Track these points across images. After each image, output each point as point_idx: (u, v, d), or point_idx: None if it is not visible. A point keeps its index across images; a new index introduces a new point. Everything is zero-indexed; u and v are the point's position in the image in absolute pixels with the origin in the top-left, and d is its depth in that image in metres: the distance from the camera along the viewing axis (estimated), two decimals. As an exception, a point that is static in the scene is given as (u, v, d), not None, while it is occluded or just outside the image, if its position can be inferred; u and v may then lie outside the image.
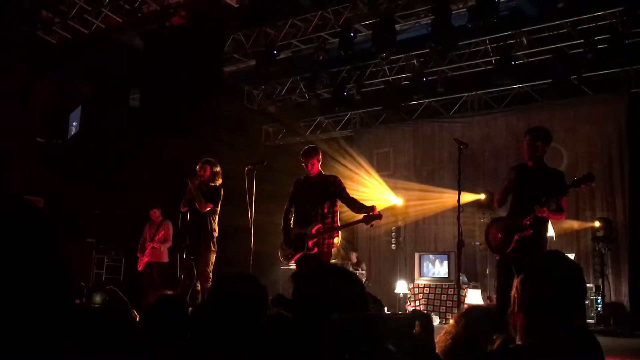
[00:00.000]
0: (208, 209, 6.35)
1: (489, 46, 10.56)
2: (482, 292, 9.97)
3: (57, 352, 1.16)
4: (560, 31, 9.85)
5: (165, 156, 9.91)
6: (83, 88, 10.84)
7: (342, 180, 6.01)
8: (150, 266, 9.13)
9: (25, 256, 1.12)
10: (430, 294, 10.11)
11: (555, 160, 10.37)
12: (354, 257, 11.60)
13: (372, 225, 5.77)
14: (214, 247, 6.39)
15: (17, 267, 1.11)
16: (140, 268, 9.22)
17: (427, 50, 10.46)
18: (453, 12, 9.12)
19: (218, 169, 6.56)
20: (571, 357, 1.80)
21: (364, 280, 10.93)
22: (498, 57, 10.37)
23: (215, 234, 6.44)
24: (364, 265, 11.52)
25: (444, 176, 11.47)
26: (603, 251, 9.61)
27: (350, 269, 10.96)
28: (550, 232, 8.95)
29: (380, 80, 11.97)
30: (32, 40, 10.16)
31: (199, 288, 6.26)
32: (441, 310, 9.74)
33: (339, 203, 5.89)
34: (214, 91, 11.04)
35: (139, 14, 9.53)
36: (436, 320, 8.95)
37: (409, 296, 10.51)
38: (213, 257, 6.36)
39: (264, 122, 13.87)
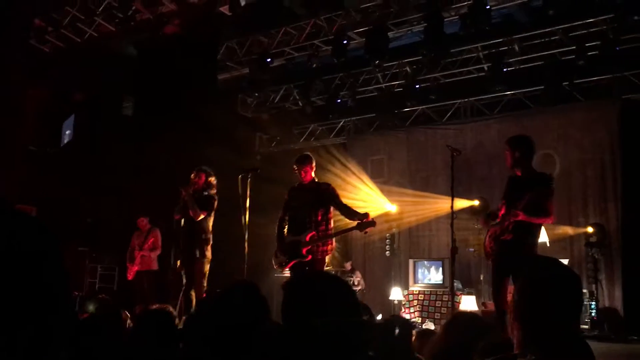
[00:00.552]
0: (202, 217, 6.33)
1: (481, 53, 10.61)
2: (477, 298, 9.97)
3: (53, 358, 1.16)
4: (552, 38, 9.91)
5: (159, 164, 9.90)
6: (76, 96, 10.83)
7: (336, 188, 6.02)
8: (140, 275, 9.10)
9: (24, 262, 1.12)
10: (425, 301, 10.10)
11: (547, 167, 10.42)
12: (348, 265, 11.58)
13: (366, 232, 5.78)
14: (209, 256, 6.36)
15: (15, 272, 1.11)
16: (130, 277, 9.18)
17: (420, 57, 10.50)
18: (445, 20, 9.17)
19: (213, 178, 6.53)
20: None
21: (359, 288, 10.91)
22: (490, 64, 10.41)
23: (210, 242, 6.41)
24: (358, 273, 11.50)
25: (438, 182, 11.48)
26: (596, 257, 9.65)
27: (344, 277, 10.97)
28: (544, 238, 9.00)
29: (373, 87, 12.00)
30: (25, 49, 10.15)
31: (193, 297, 6.23)
32: (436, 317, 9.73)
33: (333, 210, 5.90)
34: (207, 99, 11.04)
35: (132, 23, 9.54)
36: (431, 327, 8.94)
37: (403, 303, 10.49)
38: (207, 266, 6.33)
39: (258, 130, 13.87)
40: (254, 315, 2.14)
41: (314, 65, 10.86)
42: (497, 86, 10.66)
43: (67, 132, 11.02)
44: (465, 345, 1.96)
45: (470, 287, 10.42)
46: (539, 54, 10.12)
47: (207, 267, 6.33)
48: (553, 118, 10.74)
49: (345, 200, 5.98)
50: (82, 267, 10.09)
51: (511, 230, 5.06)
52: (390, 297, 10.95)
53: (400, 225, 11.82)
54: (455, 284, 7.64)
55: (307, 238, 5.69)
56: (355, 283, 11.00)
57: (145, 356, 2.43)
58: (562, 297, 1.89)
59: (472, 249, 10.26)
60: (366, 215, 5.62)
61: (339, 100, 12.01)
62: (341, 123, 13.16)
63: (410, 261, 10.79)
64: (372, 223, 5.61)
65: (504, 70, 10.24)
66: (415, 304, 10.19)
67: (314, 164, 5.95)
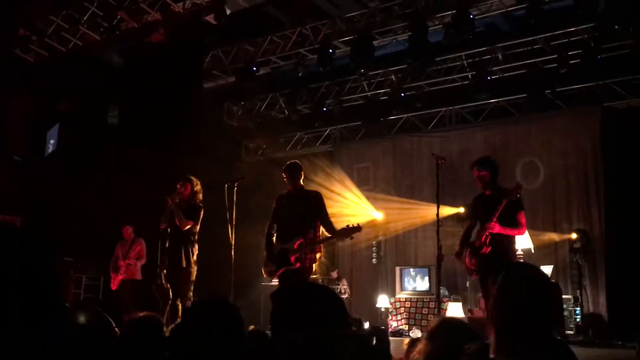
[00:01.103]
0: (188, 226, 6.32)
1: (465, 62, 10.72)
2: (463, 305, 10.00)
3: None
4: (535, 47, 10.05)
5: (144, 173, 9.85)
6: (61, 105, 10.75)
7: (324, 197, 6.03)
8: (124, 284, 9.03)
9: (19, 271, 1.12)
10: (411, 308, 10.13)
11: (532, 174, 10.54)
12: (334, 274, 11.57)
13: (352, 238, 5.80)
14: (194, 265, 6.35)
15: (10, 282, 1.11)
16: (114, 287, 9.11)
17: (405, 66, 10.59)
18: (430, 29, 9.25)
19: (199, 187, 6.54)
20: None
21: (345, 296, 10.90)
22: (474, 73, 10.53)
23: (196, 252, 6.40)
24: (344, 281, 11.50)
25: (424, 190, 11.54)
26: (580, 262, 9.73)
27: (331, 285, 10.96)
28: (529, 244, 9.08)
29: (359, 95, 12.06)
30: (9, 59, 10.07)
31: (179, 306, 6.20)
32: (423, 324, 9.75)
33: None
34: (193, 108, 11.02)
35: (117, 32, 9.50)
36: (419, 334, 8.96)
37: (390, 310, 10.51)
38: (193, 275, 6.32)
39: (244, 138, 13.86)
40: (222, 329, 2.10)
41: (300, 74, 10.89)
42: (481, 94, 10.79)
43: (52, 142, 10.92)
44: (451, 351, 1.97)
45: (456, 294, 10.46)
46: (522, 63, 10.24)
47: (193, 276, 6.31)
48: (536, 125, 10.86)
49: (332, 208, 6.00)
50: (66, 278, 9.97)
51: (489, 244, 5.34)
52: (377, 305, 10.96)
53: (387, 233, 11.85)
54: (441, 291, 7.68)
55: (295, 245, 5.69)
56: (342, 291, 10.99)
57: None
58: (534, 301, 1.89)
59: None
60: (350, 229, 5.66)
61: (325, 109, 12.06)
62: (327, 131, 13.19)
63: (397, 269, 10.82)
64: (359, 228, 5.66)
65: (488, 78, 10.35)
66: (402, 312, 10.22)
67: (302, 172, 5.98)
